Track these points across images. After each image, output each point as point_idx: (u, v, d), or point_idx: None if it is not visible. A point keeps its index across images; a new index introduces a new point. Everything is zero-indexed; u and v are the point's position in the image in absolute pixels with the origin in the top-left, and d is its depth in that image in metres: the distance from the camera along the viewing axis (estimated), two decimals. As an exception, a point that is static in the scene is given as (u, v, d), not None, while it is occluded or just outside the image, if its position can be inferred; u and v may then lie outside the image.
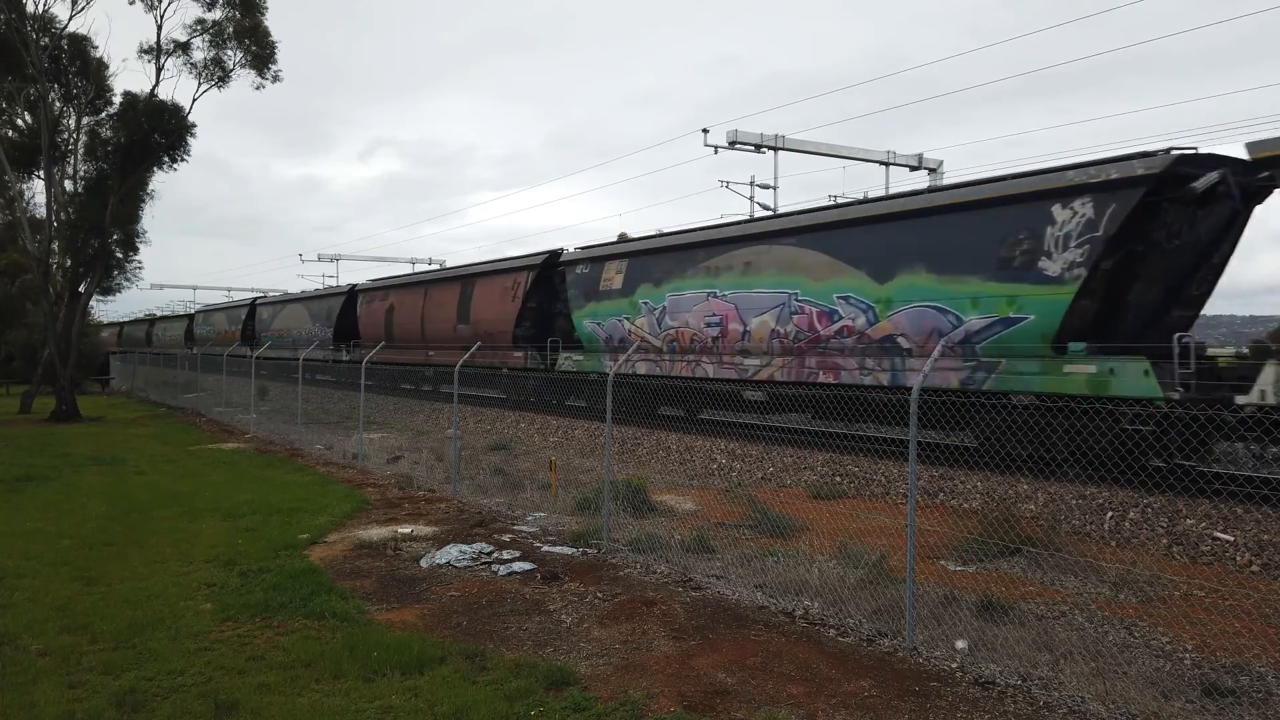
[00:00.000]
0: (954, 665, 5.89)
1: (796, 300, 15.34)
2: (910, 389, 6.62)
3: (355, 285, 35.45)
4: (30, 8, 26.18)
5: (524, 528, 10.30)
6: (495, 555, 8.88)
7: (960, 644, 6.18)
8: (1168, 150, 11.00)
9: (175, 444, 19.64)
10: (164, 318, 68.95)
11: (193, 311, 60.34)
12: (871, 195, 20.90)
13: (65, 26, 27.24)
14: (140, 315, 77.68)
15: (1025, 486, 11.03)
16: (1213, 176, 10.67)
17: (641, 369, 18.57)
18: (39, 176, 29.69)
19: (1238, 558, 8.70)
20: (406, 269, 56.91)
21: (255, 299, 47.08)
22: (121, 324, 76.80)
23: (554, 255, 22.94)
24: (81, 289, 29.55)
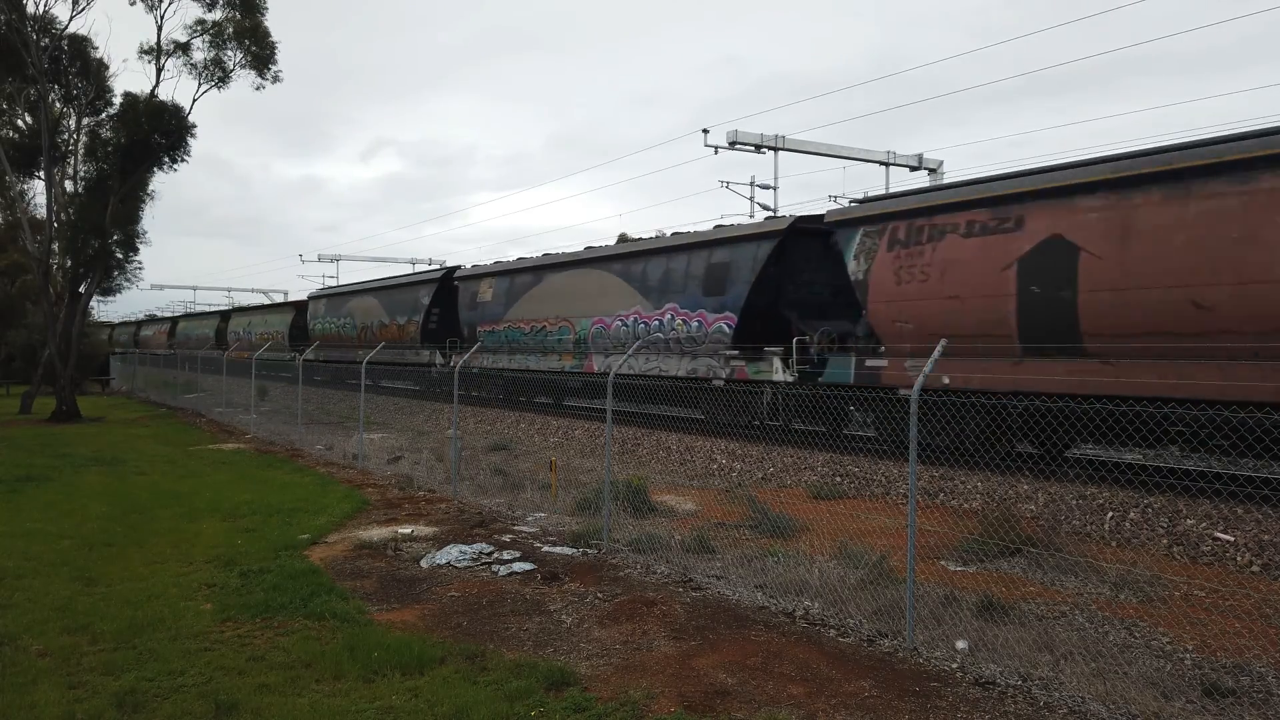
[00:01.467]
0: (954, 665, 5.88)
1: None
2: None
3: (860, 205, 14.79)
4: (30, 8, 26.23)
5: (524, 528, 10.30)
6: (495, 555, 8.88)
7: (960, 644, 6.18)
8: None
9: (175, 444, 19.63)
10: (246, 309, 50.17)
11: (310, 295, 38.74)
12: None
13: (65, 27, 27.29)
14: (200, 306, 64.58)
15: (1025, 487, 11.03)
16: None
17: None
18: (39, 177, 29.77)
19: (1238, 558, 8.70)
20: (406, 269, 54.87)
21: (525, 261, 23.57)
22: (174, 319, 60.60)
23: None
24: (81, 289, 29.56)
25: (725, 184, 30.98)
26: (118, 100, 28.28)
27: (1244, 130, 9.98)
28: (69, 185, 28.95)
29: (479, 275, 25.66)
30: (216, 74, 27.48)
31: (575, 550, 9.15)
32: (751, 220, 17.36)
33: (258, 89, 28.39)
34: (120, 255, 29.36)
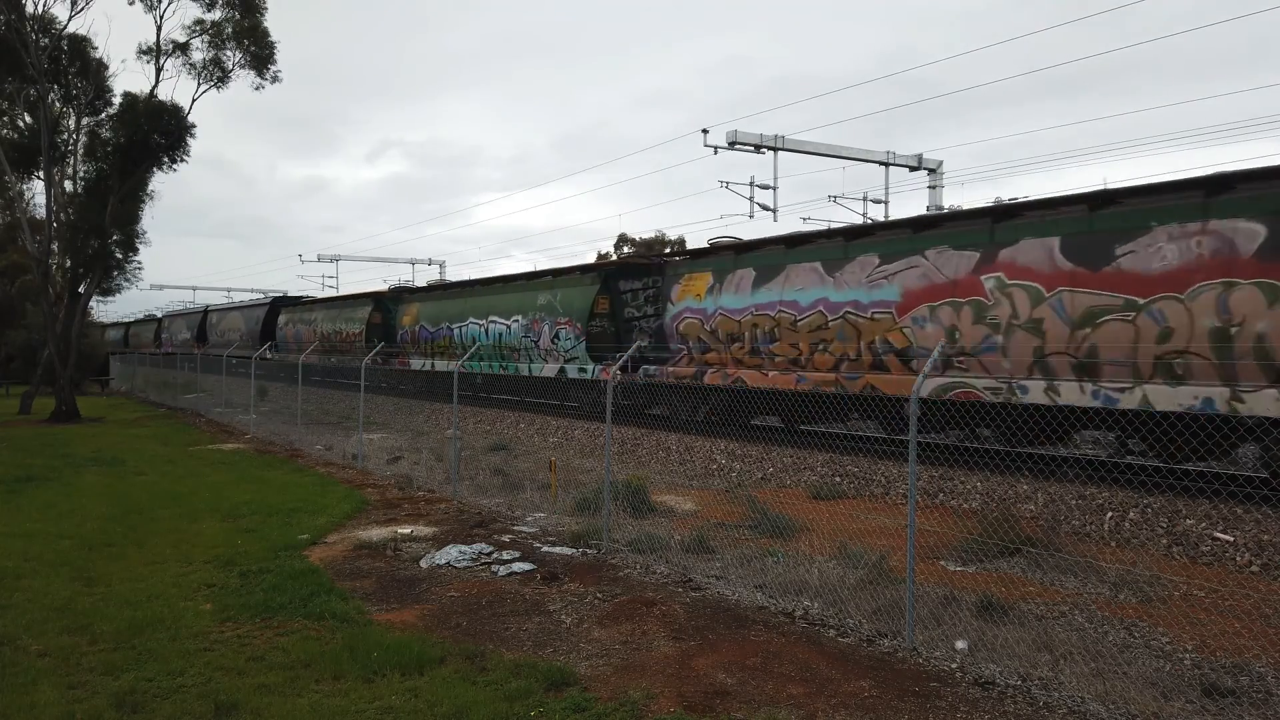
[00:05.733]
0: (954, 665, 5.89)
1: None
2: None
3: None
4: (30, 8, 26.23)
5: (524, 528, 10.30)
6: (495, 556, 8.88)
7: (960, 644, 6.18)
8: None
9: (175, 445, 19.63)
10: (459, 286, 28.07)
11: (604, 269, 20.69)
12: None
13: (65, 27, 27.30)
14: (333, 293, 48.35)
15: (1025, 487, 11.03)
16: None
17: None
18: (39, 177, 29.73)
19: (1238, 558, 8.70)
20: (406, 270, 54.05)
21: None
22: (302, 300, 40.57)
23: None
24: (81, 289, 29.56)
25: (725, 184, 30.97)
26: (117, 100, 28.32)
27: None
28: (69, 185, 28.96)
29: None
30: (215, 74, 27.52)
31: (575, 550, 9.15)
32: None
33: (257, 89, 28.45)
34: (120, 255, 29.35)
